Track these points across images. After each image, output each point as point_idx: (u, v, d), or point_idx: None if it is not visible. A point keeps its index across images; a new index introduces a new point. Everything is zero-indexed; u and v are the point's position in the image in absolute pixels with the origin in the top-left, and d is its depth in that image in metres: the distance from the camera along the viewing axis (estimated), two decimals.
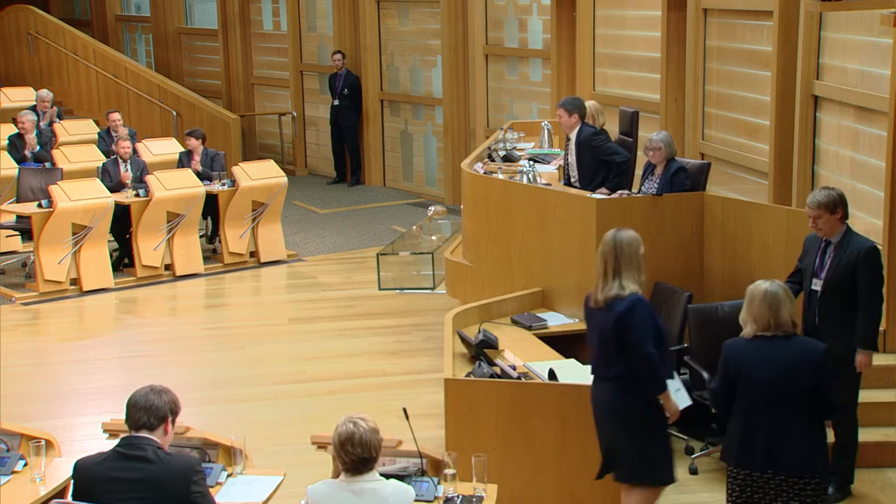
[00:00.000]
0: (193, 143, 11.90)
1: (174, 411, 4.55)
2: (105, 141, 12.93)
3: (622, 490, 5.51)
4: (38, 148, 12.47)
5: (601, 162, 8.47)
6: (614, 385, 5.33)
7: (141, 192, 10.99)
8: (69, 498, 4.69)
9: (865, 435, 6.34)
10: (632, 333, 5.23)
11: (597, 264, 5.41)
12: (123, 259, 11.31)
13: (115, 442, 4.53)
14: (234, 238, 11.51)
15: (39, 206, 10.54)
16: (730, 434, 5.16)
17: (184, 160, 11.94)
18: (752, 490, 5.05)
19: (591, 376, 5.53)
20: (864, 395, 6.26)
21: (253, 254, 11.70)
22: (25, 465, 5.17)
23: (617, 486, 5.66)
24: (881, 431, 6.61)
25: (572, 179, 8.70)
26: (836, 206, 5.97)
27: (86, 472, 4.45)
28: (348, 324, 9.76)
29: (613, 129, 9.49)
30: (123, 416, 4.54)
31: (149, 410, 4.47)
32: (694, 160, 8.75)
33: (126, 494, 4.34)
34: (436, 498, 4.79)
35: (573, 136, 8.59)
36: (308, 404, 7.96)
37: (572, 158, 8.62)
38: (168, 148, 13.07)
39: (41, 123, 13.32)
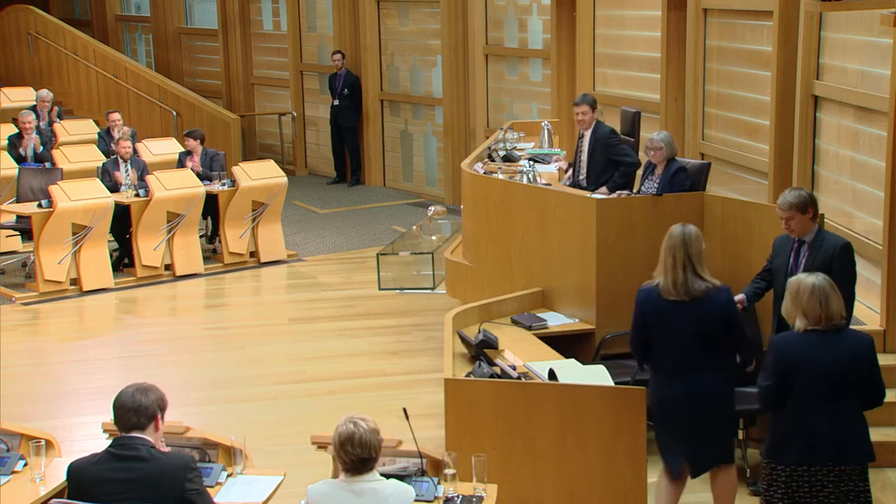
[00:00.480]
0: (192, 143, 11.90)
1: (162, 407, 4.53)
2: (105, 141, 12.93)
3: (669, 483, 5.66)
4: (41, 149, 12.47)
5: (611, 162, 8.52)
6: (718, 374, 5.51)
7: (141, 192, 10.99)
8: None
9: None
10: (736, 319, 5.58)
11: (662, 257, 5.54)
12: (123, 259, 11.30)
13: None
14: (234, 238, 11.51)
15: (39, 206, 10.54)
16: (781, 433, 5.04)
17: (183, 160, 11.94)
18: (810, 485, 4.95)
19: (669, 374, 5.57)
20: None
21: (253, 254, 11.70)
22: (25, 465, 5.17)
23: (617, 485, 5.66)
24: (881, 431, 6.58)
25: (580, 178, 8.70)
26: (807, 205, 6.06)
27: (80, 475, 4.44)
28: (348, 324, 9.76)
29: (614, 129, 9.47)
30: (112, 419, 4.51)
31: (137, 411, 4.45)
32: (694, 160, 8.75)
33: (122, 495, 4.33)
34: (436, 498, 4.79)
35: (588, 132, 8.63)
36: (308, 404, 7.96)
37: (584, 156, 8.64)
38: (168, 148, 13.07)
39: (41, 123, 13.33)
